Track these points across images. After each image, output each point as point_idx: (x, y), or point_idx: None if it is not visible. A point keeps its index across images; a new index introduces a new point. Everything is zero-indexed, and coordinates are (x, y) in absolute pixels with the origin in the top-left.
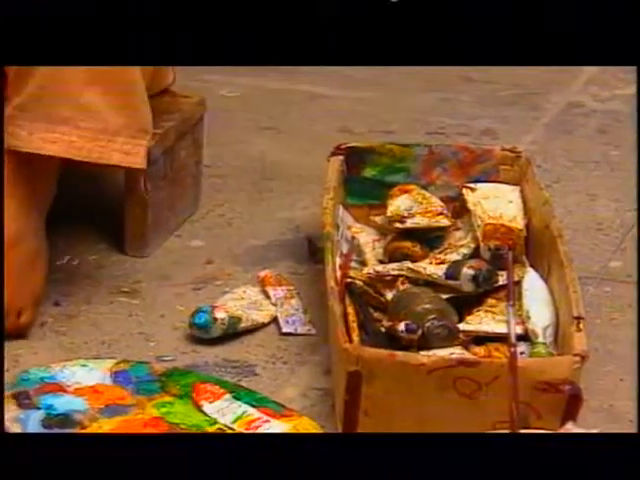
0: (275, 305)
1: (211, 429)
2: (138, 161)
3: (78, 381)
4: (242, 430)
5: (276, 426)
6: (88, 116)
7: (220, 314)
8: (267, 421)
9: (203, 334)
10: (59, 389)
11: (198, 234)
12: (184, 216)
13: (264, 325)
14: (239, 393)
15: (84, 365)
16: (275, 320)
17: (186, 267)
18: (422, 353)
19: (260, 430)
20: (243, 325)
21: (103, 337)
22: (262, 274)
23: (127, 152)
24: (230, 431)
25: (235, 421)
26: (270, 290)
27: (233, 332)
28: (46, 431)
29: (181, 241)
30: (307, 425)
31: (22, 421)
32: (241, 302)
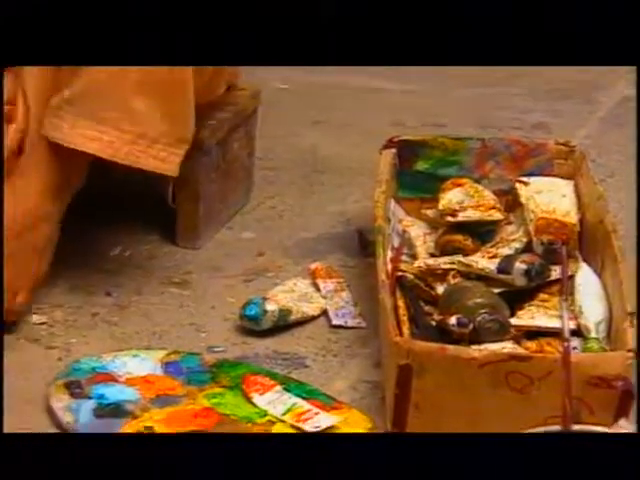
0: (325, 298)
1: (261, 421)
2: (172, 169)
3: (129, 371)
4: (292, 422)
5: (326, 418)
6: (131, 120)
7: (271, 306)
8: (317, 413)
9: (254, 326)
10: (111, 379)
11: (249, 226)
12: (236, 208)
13: (314, 318)
14: (289, 385)
15: (135, 355)
16: (325, 313)
17: (237, 259)
18: (473, 347)
19: (310, 422)
20: (293, 317)
21: (154, 328)
22: (312, 266)
23: (163, 159)
24: (280, 423)
25: (285, 413)
26: (320, 283)
27: (283, 324)
28: (98, 421)
29: (232, 233)
30: (357, 418)
31: (74, 410)
32: (291, 294)
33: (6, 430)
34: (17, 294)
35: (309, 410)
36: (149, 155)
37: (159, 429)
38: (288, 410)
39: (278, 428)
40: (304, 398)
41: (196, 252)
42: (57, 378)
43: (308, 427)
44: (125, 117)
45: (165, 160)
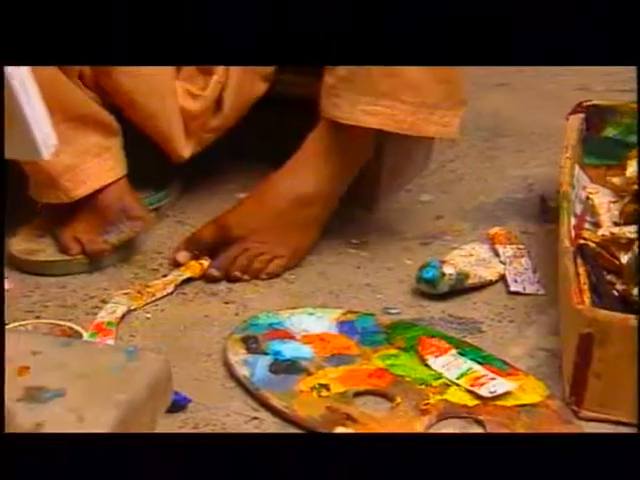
0: (504, 263)
1: (436, 383)
2: (453, 131)
3: (305, 329)
4: (467, 386)
5: (502, 384)
6: (410, 90)
7: (448, 269)
8: (493, 378)
9: (430, 289)
10: (287, 336)
11: (429, 189)
12: (415, 171)
13: (491, 283)
14: (464, 349)
15: (311, 313)
16: (503, 278)
17: (415, 222)
18: None
19: (486, 387)
20: (470, 281)
21: (330, 287)
22: (492, 231)
23: (444, 124)
24: (455, 387)
25: (460, 377)
26: (499, 248)
27: (460, 288)
28: (274, 376)
29: (411, 196)
30: (533, 385)
31: (250, 364)
32: (469, 259)
33: (185, 381)
34: (277, 258)
35: (484, 375)
36: (431, 122)
37: (334, 387)
38: (463, 374)
39: (452, 391)
40: (479, 363)
41: (375, 214)
42: (234, 332)
43: (483, 392)
44: (403, 87)
45: (447, 125)
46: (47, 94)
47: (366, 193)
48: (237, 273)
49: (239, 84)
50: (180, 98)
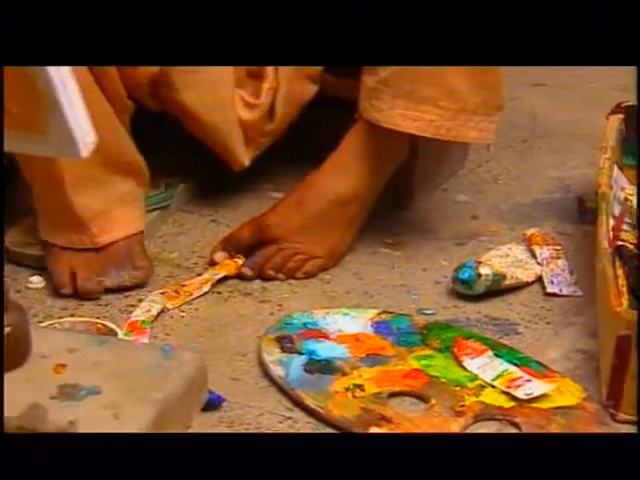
0: (540, 264)
1: (471, 385)
2: (490, 137)
3: (340, 329)
4: (503, 388)
5: (538, 386)
6: (450, 96)
7: (484, 270)
8: (529, 380)
9: (466, 289)
10: (321, 335)
11: (464, 189)
12: (451, 171)
13: (528, 284)
14: (500, 351)
15: (346, 314)
16: (539, 279)
17: (450, 221)
18: None
19: (522, 389)
20: (507, 283)
21: (365, 287)
22: (529, 232)
23: (481, 129)
24: (490, 388)
25: (496, 378)
26: (536, 249)
27: (496, 289)
28: (309, 376)
29: (447, 195)
30: (570, 387)
31: (285, 364)
32: (506, 259)
33: (219, 380)
34: (313, 259)
35: (521, 377)
36: (469, 128)
37: (369, 387)
38: (499, 376)
39: (488, 393)
40: (515, 365)
41: (409, 213)
42: (269, 332)
43: (520, 393)
44: (442, 93)
45: (483, 130)
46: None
47: (401, 192)
48: (271, 272)
49: (290, 89)
50: (237, 107)
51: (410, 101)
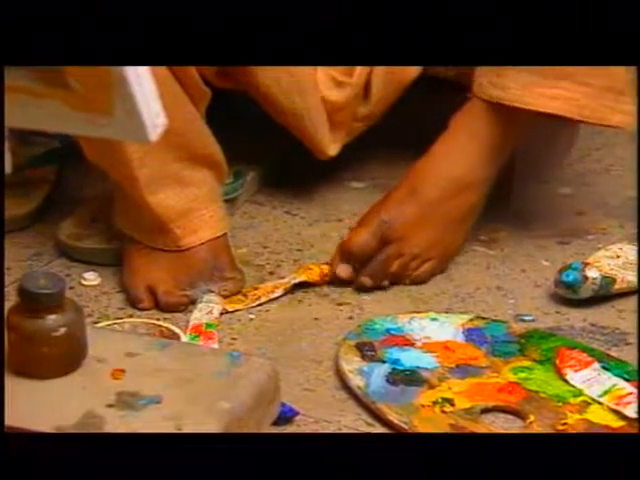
0: None
1: (575, 401)
2: (634, 121)
3: (427, 335)
4: (611, 405)
5: None
6: (598, 71)
7: (592, 272)
8: None
9: (570, 294)
10: (406, 343)
11: (569, 181)
12: (556, 159)
13: None
14: (608, 363)
15: (434, 319)
16: None
17: (553, 217)
18: None
19: (632, 406)
20: (617, 287)
21: (456, 290)
22: None
23: (626, 112)
24: (597, 405)
25: (603, 394)
26: None
27: (604, 294)
28: (391, 387)
29: (549, 188)
30: None
31: (365, 374)
32: (616, 261)
33: (292, 390)
34: (426, 262)
35: (631, 393)
36: (616, 110)
37: (459, 402)
38: (606, 392)
39: (594, 410)
40: (625, 379)
41: (507, 207)
42: (347, 338)
43: (629, 412)
44: (587, 68)
45: (629, 113)
46: (170, 127)
47: (499, 184)
48: (386, 283)
49: (388, 67)
50: (323, 87)
51: (547, 78)
